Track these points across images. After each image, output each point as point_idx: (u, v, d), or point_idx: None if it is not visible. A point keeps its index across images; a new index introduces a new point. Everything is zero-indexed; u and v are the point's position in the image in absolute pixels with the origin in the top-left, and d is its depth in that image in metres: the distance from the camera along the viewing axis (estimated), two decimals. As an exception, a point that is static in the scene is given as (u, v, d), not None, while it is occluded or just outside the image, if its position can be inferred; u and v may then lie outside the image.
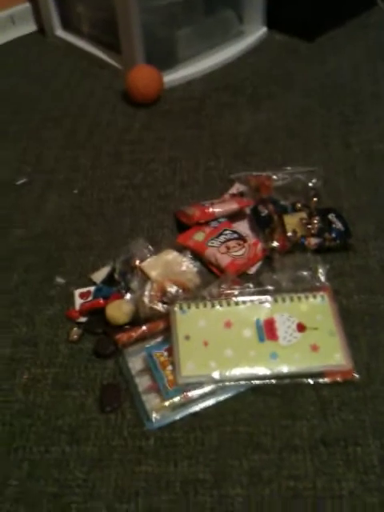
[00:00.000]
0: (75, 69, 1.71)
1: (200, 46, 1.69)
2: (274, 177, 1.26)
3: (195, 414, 0.87)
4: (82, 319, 1.00)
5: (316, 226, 1.12)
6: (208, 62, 1.70)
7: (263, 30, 1.82)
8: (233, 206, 1.17)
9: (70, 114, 1.53)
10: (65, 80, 1.67)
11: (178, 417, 0.86)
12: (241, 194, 1.24)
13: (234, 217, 1.17)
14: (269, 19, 1.81)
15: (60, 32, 1.84)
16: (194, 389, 0.88)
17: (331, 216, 1.14)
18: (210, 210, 1.15)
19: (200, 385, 0.89)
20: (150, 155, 1.38)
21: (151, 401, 0.87)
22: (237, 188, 1.26)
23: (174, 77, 1.63)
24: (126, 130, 1.46)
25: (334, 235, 1.11)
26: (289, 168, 1.27)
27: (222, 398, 0.88)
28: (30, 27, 1.91)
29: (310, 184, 1.24)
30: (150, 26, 1.56)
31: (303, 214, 1.15)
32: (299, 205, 1.18)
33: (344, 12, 1.85)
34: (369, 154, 1.35)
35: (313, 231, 1.12)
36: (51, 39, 1.85)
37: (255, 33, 1.80)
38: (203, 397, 0.88)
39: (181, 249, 1.09)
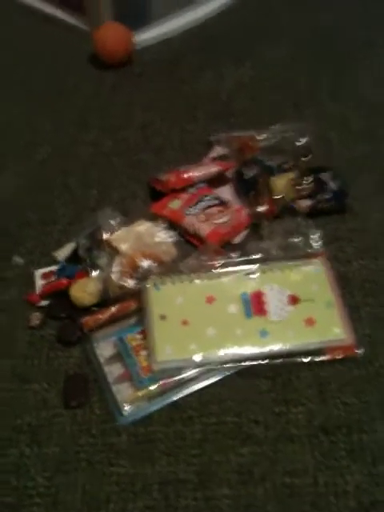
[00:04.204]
0: (38, 33, 1.56)
1: (175, 1, 1.55)
2: (260, 137, 1.13)
3: (174, 404, 0.75)
4: (44, 303, 0.87)
5: (307, 186, 1.00)
6: (184, 19, 1.56)
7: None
8: (213, 169, 1.05)
9: (32, 79, 1.39)
10: (27, 45, 1.52)
11: (154, 408, 0.75)
12: (222, 158, 1.11)
13: (214, 181, 1.05)
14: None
15: (22, -4, 1.69)
16: (173, 375, 0.76)
17: (324, 175, 1.02)
18: (187, 174, 1.02)
19: (179, 370, 0.77)
20: (120, 121, 1.25)
21: (123, 391, 0.76)
22: (217, 151, 1.13)
23: (147, 36, 1.49)
24: (93, 95, 1.33)
25: (327, 196, 0.99)
26: (275, 126, 1.14)
27: (205, 384, 0.77)
28: (-11, -8, 1.75)
29: (300, 142, 1.11)
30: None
31: (292, 175, 1.02)
32: (288, 165, 1.05)
33: None
34: (363, 105, 1.22)
35: (304, 193, 1.00)
36: (12, 2, 1.70)
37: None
38: (183, 384, 0.76)
39: (155, 219, 0.96)
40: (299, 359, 0.78)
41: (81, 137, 1.20)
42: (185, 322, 0.81)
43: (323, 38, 1.46)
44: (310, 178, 1.02)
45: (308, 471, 0.68)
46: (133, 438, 0.72)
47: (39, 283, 0.90)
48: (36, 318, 0.85)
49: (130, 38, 1.40)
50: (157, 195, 1.04)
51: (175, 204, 1.00)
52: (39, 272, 0.92)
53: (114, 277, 0.85)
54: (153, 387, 0.75)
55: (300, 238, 0.92)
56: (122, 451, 0.71)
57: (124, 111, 1.27)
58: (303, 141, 1.11)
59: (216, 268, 0.87)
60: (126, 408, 0.74)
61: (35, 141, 1.20)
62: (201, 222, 0.96)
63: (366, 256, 0.93)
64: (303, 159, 1.07)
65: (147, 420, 0.74)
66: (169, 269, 0.87)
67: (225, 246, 0.95)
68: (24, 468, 0.71)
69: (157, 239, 0.91)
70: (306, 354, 0.79)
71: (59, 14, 1.58)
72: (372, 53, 1.39)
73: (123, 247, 0.88)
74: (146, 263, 0.87)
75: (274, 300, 0.84)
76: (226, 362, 0.78)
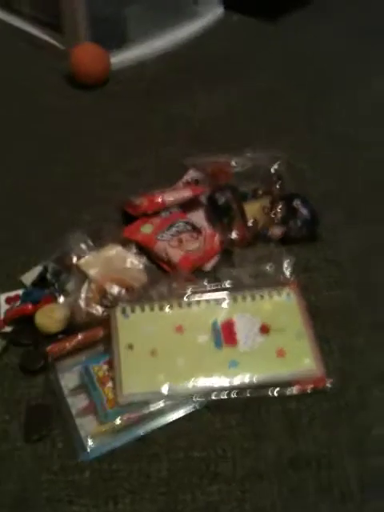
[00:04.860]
0: (14, 51, 1.54)
1: (151, 25, 1.56)
2: (233, 163, 1.13)
3: (140, 439, 0.73)
4: (7, 329, 0.84)
5: (279, 213, 1.00)
6: (161, 42, 1.56)
7: (220, 10, 1.70)
8: (186, 193, 1.04)
9: (6, 97, 1.37)
10: (2, 63, 1.50)
11: (118, 443, 0.72)
12: (196, 182, 1.11)
13: (187, 206, 1.03)
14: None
15: (-2, 13, 1.67)
16: (139, 409, 0.74)
17: (296, 203, 1.02)
18: (160, 198, 1.01)
19: (146, 404, 0.74)
20: (94, 141, 1.23)
21: (87, 425, 0.73)
22: (191, 175, 1.13)
23: (123, 57, 1.49)
24: (68, 114, 1.31)
25: (299, 224, 0.99)
26: (249, 153, 1.14)
27: (172, 417, 0.75)
28: (-35, 8, 1.73)
29: (273, 169, 1.11)
30: (95, 2, 1.41)
31: (265, 201, 1.02)
32: (260, 191, 1.05)
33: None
34: (336, 137, 1.24)
35: (276, 220, 1.00)
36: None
37: (211, 13, 1.68)
38: (150, 417, 0.74)
39: (127, 243, 0.95)
40: (269, 392, 0.77)
41: (53, 156, 1.18)
42: (153, 352, 0.79)
43: (299, 69, 1.48)
44: (283, 205, 1.02)
45: (276, 509, 0.66)
46: (96, 475, 0.69)
47: (3, 308, 0.87)
48: (-2, 345, 0.82)
49: (107, 58, 1.40)
50: (130, 219, 1.02)
51: (147, 228, 0.98)
52: (3, 296, 0.89)
53: (81, 303, 0.83)
54: (118, 421, 0.72)
55: (272, 266, 0.92)
56: (84, 489, 0.68)
57: (98, 132, 1.26)
58: (276, 168, 1.11)
59: (187, 296, 0.86)
60: (89, 443, 0.71)
61: (6, 159, 1.17)
62: (172, 248, 0.95)
63: (337, 286, 0.93)
64: (276, 186, 1.07)
65: (111, 456, 0.71)
66: (138, 295, 0.85)
67: (196, 273, 0.94)
68: (-20, 506, 0.68)
69: (127, 265, 0.89)
70: (276, 385, 0.78)
71: (36, 32, 1.56)
72: (348, 86, 1.41)
73: (92, 272, 0.86)
74: (115, 289, 0.85)
75: (245, 329, 0.83)
76: (195, 394, 0.76)
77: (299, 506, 0.67)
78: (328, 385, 0.78)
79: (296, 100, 1.36)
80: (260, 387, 0.77)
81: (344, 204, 1.07)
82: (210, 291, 0.87)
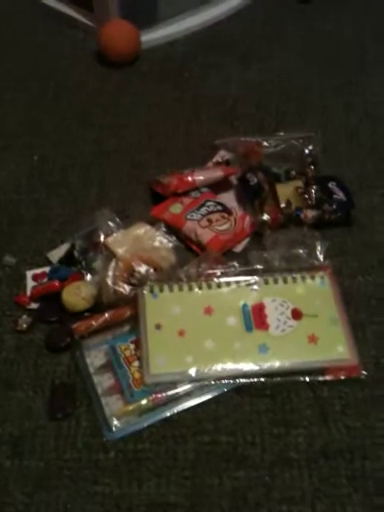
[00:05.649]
0: (44, 29, 1.52)
1: (183, 3, 1.52)
2: (265, 143, 1.09)
3: (167, 420, 0.71)
4: (34, 305, 0.83)
5: (314, 196, 0.97)
6: (193, 20, 1.52)
7: (255, -13, 1.65)
8: (216, 173, 1.01)
9: (37, 75, 1.35)
10: (33, 40, 1.48)
11: (145, 424, 0.70)
12: (226, 163, 1.08)
13: (218, 187, 1.01)
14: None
15: (29, -10, 1.65)
16: (166, 389, 0.72)
17: (331, 185, 0.99)
18: (190, 178, 0.98)
19: (173, 384, 0.72)
20: (123, 120, 1.21)
21: (112, 404, 0.71)
22: (222, 155, 1.10)
23: (154, 36, 1.45)
24: (97, 93, 1.28)
25: (334, 207, 0.95)
26: (282, 133, 1.10)
27: (199, 400, 0.73)
28: (-4, -15, 1.72)
29: (307, 150, 1.07)
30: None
31: (299, 183, 0.99)
32: (294, 172, 1.02)
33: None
34: (373, 116, 1.19)
35: (310, 202, 0.96)
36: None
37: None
38: (177, 399, 0.72)
39: (155, 223, 0.92)
40: (300, 378, 0.74)
41: (83, 134, 1.16)
42: (181, 333, 0.77)
43: (333, 46, 1.43)
44: (317, 187, 0.98)
45: (306, 499, 0.64)
46: (120, 455, 0.68)
47: (30, 284, 0.86)
48: (24, 322, 0.80)
49: (137, 36, 1.36)
50: (158, 198, 1.00)
51: (176, 208, 0.96)
52: (31, 273, 0.87)
53: (109, 281, 0.81)
54: (144, 401, 0.71)
55: (305, 250, 0.88)
56: (108, 469, 0.67)
57: (128, 110, 1.23)
58: (310, 149, 1.07)
59: (216, 277, 0.83)
60: (114, 422, 0.70)
61: (36, 137, 1.16)
62: (202, 228, 0.92)
63: (373, 271, 0.89)
64: (310, 167, 1.03)
65: (137, 436, 0.69)
66: (167, 275, 0.83)
67: (226, 255, 0.91)
68: (3, 482, 0.66)
69: (156, 244, 0.86)
70: (308, 372, 0.75)
71: (65, 9, 1.54)
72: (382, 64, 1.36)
73: (120, 251, 0.84)
74: (143, 268, 0.83)
75: (276, 313, 0.80)
76: (223, 378, 0.74)
77: (331, 497, 0.64)
78: (362, 373, 0.75)
79: (329, 78, 1.31)
80: (291, 374, 0.74)
81: (381, 186, 1.03)
82: (240, 273, 0.85)
